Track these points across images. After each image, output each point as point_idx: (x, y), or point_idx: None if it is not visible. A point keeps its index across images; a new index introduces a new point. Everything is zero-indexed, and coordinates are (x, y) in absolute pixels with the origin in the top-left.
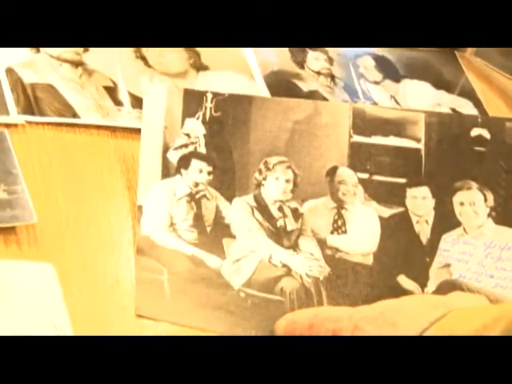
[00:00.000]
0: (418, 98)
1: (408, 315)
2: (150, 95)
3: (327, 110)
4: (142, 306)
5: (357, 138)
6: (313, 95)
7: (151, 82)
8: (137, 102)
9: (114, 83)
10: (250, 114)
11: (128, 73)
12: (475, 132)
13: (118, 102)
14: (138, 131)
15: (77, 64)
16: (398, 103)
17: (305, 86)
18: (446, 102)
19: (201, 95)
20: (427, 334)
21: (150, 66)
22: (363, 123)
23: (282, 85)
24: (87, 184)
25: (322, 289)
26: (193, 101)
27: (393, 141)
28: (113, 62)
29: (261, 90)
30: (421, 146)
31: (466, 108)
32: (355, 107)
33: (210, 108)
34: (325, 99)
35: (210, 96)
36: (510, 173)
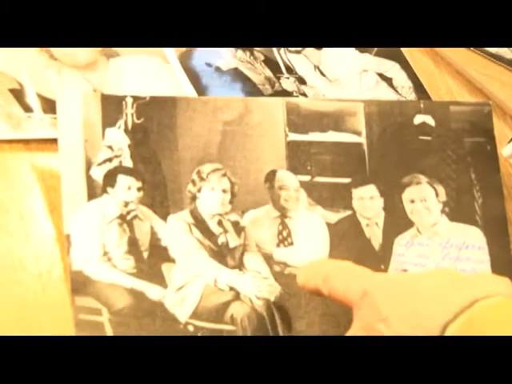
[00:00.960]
0: (343, 65)
1: (429, 296)
2: (63, 104)
3: (259, 107)
4: None
5: (293, 137)
6: (233, 72)
7: (59, 76)
8: (48, 106)
9: (19, 84)
10: (175, 118)
11: (33, 70)
12: (418, 119)
13: (27, 108)
14: (53, 141)
15: None
16: (323, 74)
17: (223, 65)
18: (372, 67)
19: (120, 100)
20: (450, 329)
21: (55, 59)
22: (298, 119)
23: (198, 66)
24: (7, 212)
25: (275, 312)
26: (112, 107)
27: (332, 136)
28: (16, 59)
29: (177, 72)
30: (362, 139)
31: (393, 71)
32: (288, 102)
33: (132, 114)
34: (247, 77)
35: (130, 101)
36: (458, 163)
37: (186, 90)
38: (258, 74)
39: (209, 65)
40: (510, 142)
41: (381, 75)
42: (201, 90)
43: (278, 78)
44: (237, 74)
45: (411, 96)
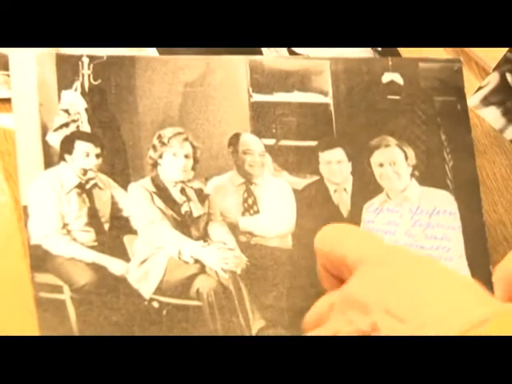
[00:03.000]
0: None
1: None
2: (16, 64)
3: (221, 66)
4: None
5: (257, 97)
6: None
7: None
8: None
9: None
10: (134, 79)
11: None
12: (387, 78)
13: None
14: (6, 101)
15: None
16: None
17: None
18: None
19: (76, 61)
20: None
21: None
22: (263, 78)
23: None
24: None
25: (241, 285)
26: (67, 68)
27: (298, 96)
28: None
29: None
30: (329, 99)
31: None
32: (252, 60)
33: (88, 75)
34: None
35: (86, 61)
36: (428, 123)
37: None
38: None
39: None
40: (476, 91)
41: None
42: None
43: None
44: None
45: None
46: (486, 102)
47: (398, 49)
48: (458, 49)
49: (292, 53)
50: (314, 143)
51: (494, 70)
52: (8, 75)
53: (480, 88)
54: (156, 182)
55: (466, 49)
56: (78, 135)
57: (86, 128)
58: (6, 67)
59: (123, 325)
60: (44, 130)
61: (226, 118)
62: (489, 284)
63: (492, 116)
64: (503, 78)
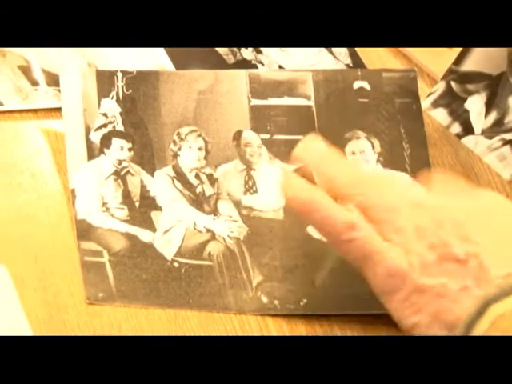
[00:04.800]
0: None
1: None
2: (65, 79)
3: (227, 78)
4: (91, 294)
5: (255, 102)
6: None
7: (60, 53)
8: (51, 80)
9: (26, 61)
10: (158, 89)
11: (37, 48)
12: (357, 85)
13: (33, 82)
14: (57, 110)
15: None
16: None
17: None
18: None
19: (112, 75)
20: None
21: None
22: (259, 87)
23: None
24: (21, 172)
25: (244, 248)
26: (105, 81)
27: (287, 101)
28: None
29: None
30: (311, 102)
31: None
32: (251, 73)
33: (122, 87)
34: (213, 50)
35: (120, 75)
36: (390, 120)
37: (165, 63)
38: None
39: None
40: (427, 96)
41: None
42: (177, 63)
43: (239, 49)
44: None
45: (347, 60)
46: (435, 104)
47: (360, 55)
48: (413, 63)
49: (281, 67)
50: (300, 137)
51: (442, 79)
52: (58, 90)
53: (430, 94)
54: (176, 169)
55: (420, 63)
56: (114, 133)
57: (120, 128)
58: (56, 84)
59: (150, 281)
60: (87, 130)
61: (231, 118)
62: None
63: (440, 115)
64: (449, 86)
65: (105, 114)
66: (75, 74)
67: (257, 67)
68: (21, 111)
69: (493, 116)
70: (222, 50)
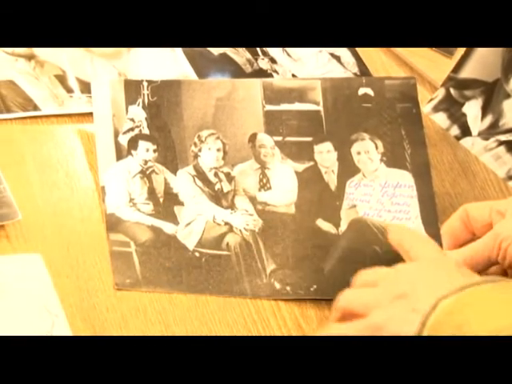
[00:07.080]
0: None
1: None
2: (97, 87)
3: (243, 86)
4: (119, 280)
5: (269, 107)
6: (223, 56)
7: (92, 64)
8: (85, 87)
9: (62, 71)
10: (180, 96)
11: (73, 59)
12: (361, 91)
13: (68, 89)
14: (89, 115)
15: (29, 57)
16: (289, 55)
17: (215, 50)
18: (325, 48)
19: (138, 84)
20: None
21: (89, 50)
22: (272, 94)
23: (196, 52)
24: (57, 171)
25: (258, 240)
26: (132, 89)
27: (298, 106)
28: (59, 50)
29: (180, 58)
30: (320, 108)
31: (341, 51)
32: (264, 81)
33: (147, 94)
34: (233, 60)
35: (145, 84)
36: (392, 123)
37: (188, 73)
38: (241, 56)
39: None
40: (428, 102)
41: (332, 54)
42: (199, 72)
43: (256, 59)
44: (225, 58)
45: (355, 69)
46: (435, 109)
47: (367, 64)
48: (415, 71)
49: (294, 76)
50: (309, 139)
51: (441, 86)
52: (90, 96)
53: (431, 99)
54: (196, 168)
55: (421, 71)
56: (141, 136)
57: (146, 131)
58: (89, 91)
59: (173, 269)
60: (116, 134)
61: (246, 122)
62: (437, 237)
63: (440, 119)
64: (448, 92)
65: (132, 119)
66: (105, 83)
67: (272, 76)
68: (57, 116)
69: (488, 119)
70: (240, 60)
